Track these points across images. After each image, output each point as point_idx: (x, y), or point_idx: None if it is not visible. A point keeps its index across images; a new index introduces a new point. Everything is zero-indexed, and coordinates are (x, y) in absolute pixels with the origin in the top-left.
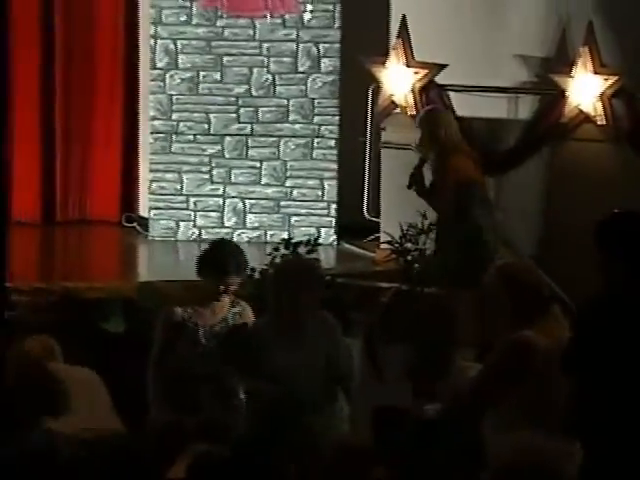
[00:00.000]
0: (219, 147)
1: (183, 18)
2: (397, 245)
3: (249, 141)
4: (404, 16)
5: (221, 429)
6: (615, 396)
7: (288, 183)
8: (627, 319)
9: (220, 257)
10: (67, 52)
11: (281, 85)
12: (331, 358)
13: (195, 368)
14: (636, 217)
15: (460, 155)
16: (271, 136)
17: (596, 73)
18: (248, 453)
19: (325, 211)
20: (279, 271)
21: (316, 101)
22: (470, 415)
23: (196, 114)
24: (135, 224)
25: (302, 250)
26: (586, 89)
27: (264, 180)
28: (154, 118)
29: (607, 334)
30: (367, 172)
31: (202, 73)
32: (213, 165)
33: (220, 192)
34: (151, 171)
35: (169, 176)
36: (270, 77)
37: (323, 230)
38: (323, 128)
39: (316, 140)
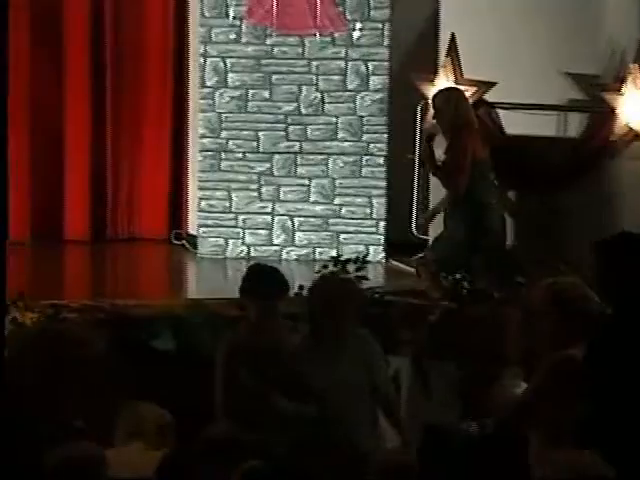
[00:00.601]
0: (268, 165)
1: (232, 36)
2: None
3: (298, 159)
4: (453, 34)
5: (268, 445)
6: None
7: (337, 201)
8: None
9: (259, 283)
10: (117, 71)
11: (330, 103)
12: (371, 376)
13: (248, 387)
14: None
15: (469, 134)
16: (320, 154)
17: None
18: (292, 469)
19: (373, 229)
20: (316, 289)
21: (365, 119)
22: (516, 433)
23: (245, 132)
24: (184, 242)
25: (351, 268)
26: (636, 106)
27: (313, 198)
28: (203, 136)
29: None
30: (415, 190)
31: (251, 91)
32: (262, 183)
33: (269, 210)
34: (200, 189)
35: (218, 194)
36: (319, 95)
37: (371, 248)
38: (372, 146)
39: (365, 158)
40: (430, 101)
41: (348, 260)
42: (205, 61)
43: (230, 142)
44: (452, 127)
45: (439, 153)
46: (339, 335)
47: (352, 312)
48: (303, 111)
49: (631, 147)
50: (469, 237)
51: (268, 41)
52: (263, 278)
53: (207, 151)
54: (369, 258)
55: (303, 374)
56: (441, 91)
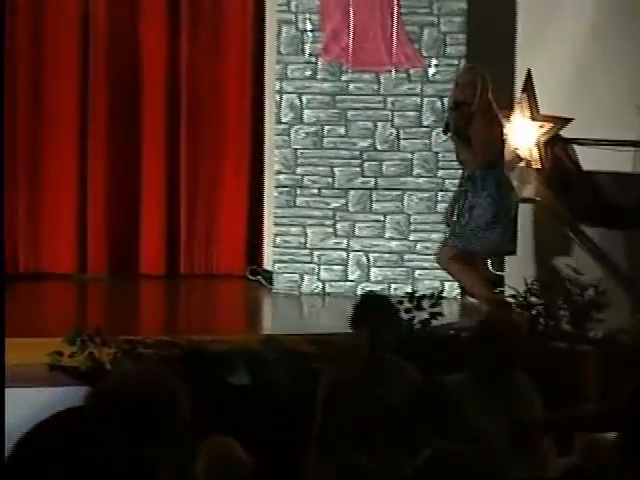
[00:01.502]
0: (343, 201)
1: (308, 73)
2: (521, 299)
3: (373, 195)
4: (529, 70)
5: None
6: None
7: (412, 237)
8: None
9: (365, 313)
10: (194, 107)
11: (405, 139)
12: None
13: (355, 427)
14: None
15: (489, 116)
16: (395, 190)
17: None
18: None
19: None
20: (487, 326)
21: (440, 155)
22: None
23: (321, 168)
24: (259, 277)
25: (426, 304)
26: None
27: (388, 234)
28: (279, 172)
29: None
30: None
31: (327, 127)
32: (337, 219)
33: (344, 245)
34: (276, 225)
35: (293, 229)
36: (394, 131)
37: (447, 284)
38: (447, 182)
39: (440, 194)
40: (458, 76)
41: (423, 296)
42: (281, 97)
43: (305, 178)
44: (477, 104)
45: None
46: (500, 377)
47: (517, 353)
48: (378, 147)
49: None
50: (497, 210)
51: (344, 77)
52: (375, 308)
53: (283, 187)
54: (444, 294)
55: (456, 412)
56: (466, 69)
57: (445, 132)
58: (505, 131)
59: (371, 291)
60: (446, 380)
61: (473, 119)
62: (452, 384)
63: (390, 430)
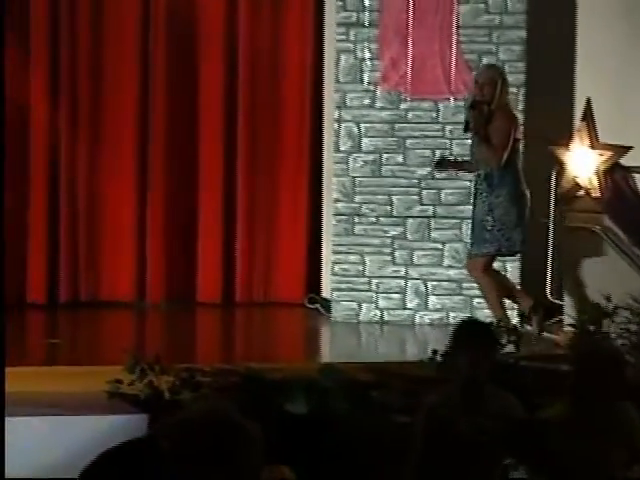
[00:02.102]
0: (401, 229)
1: (367, 102)
2: (580, 328)
3: (431, 223)
4: (589, 99)
5: None
6: None
7: None
8: None
9: (464, 339)
10: (252, 134)
11: None
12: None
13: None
14: None
15: (507, 115)
16: (453, 218)
17: None
18: None
19: None
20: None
21: None
22: None
23: (379, 196)
24: (317, 305)
25: None
26: None
27: (446, 262)
28: (337, 200)
29: None
30: (550, 253)
31: (385, 155)
32: (395, 247)
33: (402, 274)
34: (334, 253)
35: (352, 258)
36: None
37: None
38: None
39: None
40: (478, 75)
41: None
42: (339, 126)
43: (364, 206)
44: (496, 103)
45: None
46: (604, 406)
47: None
48: (437, 175)
49: None
50: (518, 208)
51: (402, 106)
52: (476, 334)
53: (341, 215)
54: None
55: (556, 444)
56: (487, 67)
57: (466, 131)
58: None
59: (470, 317)
60: (548, 411)
61: (493, 117)
62: (554, 415)
63: (485, 459)
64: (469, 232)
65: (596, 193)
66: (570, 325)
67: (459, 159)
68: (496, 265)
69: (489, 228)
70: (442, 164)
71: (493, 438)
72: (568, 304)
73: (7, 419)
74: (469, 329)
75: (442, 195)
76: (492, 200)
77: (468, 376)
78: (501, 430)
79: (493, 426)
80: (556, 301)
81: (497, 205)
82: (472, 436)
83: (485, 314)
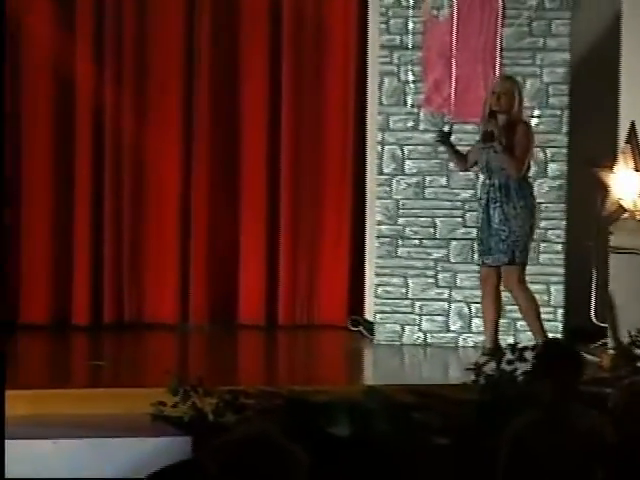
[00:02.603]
0: (445, 251)
1: (410, 124)
2: (625, 351)
3: (475, 245)
4: (633, 122)
5: None
6: None
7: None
8: None
9: (551, 360)
10: (295, 157)
11: None
12: None
13: None
14: None
15: (525, 126)
16: None
17: None
18: None
19: (551, 315)
20: None
21: (543, 206)
22: None
23: (422, 218)
24: (361, 328)
25: (528, 355)
26: None
27: None
28: (380, 223)
29: None
30: (594, 276)
31: (428, 178)
32: (438, 269)
33: (446, 296)
34: (377, 275)
35: (395, 280)
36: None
37: (550, 335)
38: (550, 233)
39: (542, 245)
40: (496, 86)
41: (525, 347)
42: (383, 149)
43: (407, 229)
44: (514, 113)
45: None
46: None
47: None
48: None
49: None
50: (532, 219)
51: (445, 128)
52: (564, 355)
53: (384, 237)
54: None
55: None
56: (504, 78)
57: (486, 141)
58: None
59: (556, 339)
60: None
61: (515, 128)
62: None
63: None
64: (479, 241)
65: None
66: (613, 348)
67: (458, 149)
68: (538, 287)
69: (504, 238)
70: (443, 138)
71: (585, 459)
72: (611, 327)
73: (52, 441)
74: (556, 351)
75: None
76: (508, 210)
77: (557, 398)
78: (592, 450)
79: (585, 446)
80: (600, 324)
81: (515, 216)
82: (563, 458)
83: (528, 336)
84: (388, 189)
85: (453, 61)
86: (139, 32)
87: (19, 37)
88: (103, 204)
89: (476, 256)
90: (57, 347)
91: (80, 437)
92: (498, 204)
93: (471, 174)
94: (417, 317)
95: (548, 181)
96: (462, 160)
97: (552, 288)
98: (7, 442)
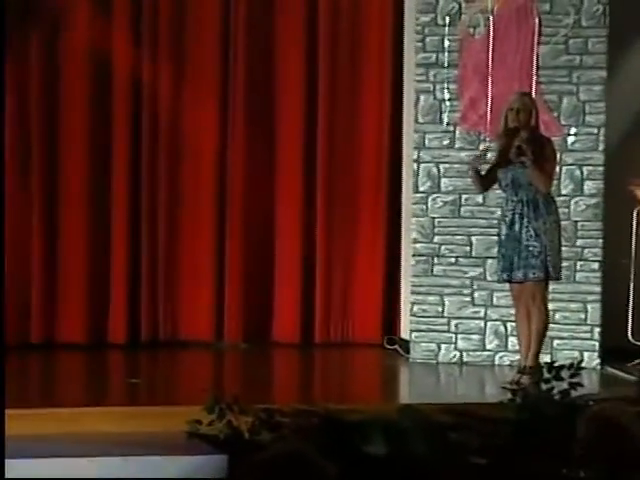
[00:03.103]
0: (481, 270)
1: (446, 142)
2: None
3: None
4: None
5: None
6: None
7: (550, 306)
8: None
9: None
10: (330, 174)
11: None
12: None
13: None
14: None
15: (551, 142)
16: None
17: None
18: None
19: (588, 334)
20: None
21: (579, 224)
22: None
23: (458, 237)
24: (396, 346)
25: (565, 374)
26: None
27: None
28: (416, 241)
29: None
30: (631, 295)
31: (464, 196)
32: (475, 287)
33: (481, 315)
34: (413, 293)
35: (430, 298)
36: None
37: (586, 354)
38: (586, 251)
39: (579, 263)
40: (514, 102)
41: (562, 366)
42: (418, 166)
43: (443, 247)
44: (533, 129)
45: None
46: None
47: None
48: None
49: None
50: (560, 234)
51: (481, 146)
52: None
53: (420, 256)
54: (584, 364)
55: None
56: (521, 95)
57: (519, 156)
58: None
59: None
60: None
61: (535, 143)
62: None
63: None
64: (499, 257)
65: None
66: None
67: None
68: (575, 306)
69: (536, 254)
70: (477, 162)
71: None
72: None
73: (88, 459)
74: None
75: None
76: (538, 226)
77: None
78: None
79: None
80: (638, 343)
81: (545, 231)
82: None
83: (565, 355)
84: (424, 207)
85: (489, 79)
86: (175, 24)
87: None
88: (140, 221)
89: (499, 273)
90: (93, 365)
91: (116, 455)
92: (526, 220)
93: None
94: (453, 335)
95: (584, 199)
96: (484, 182)
97: (589, 307)
98: (44, 460)
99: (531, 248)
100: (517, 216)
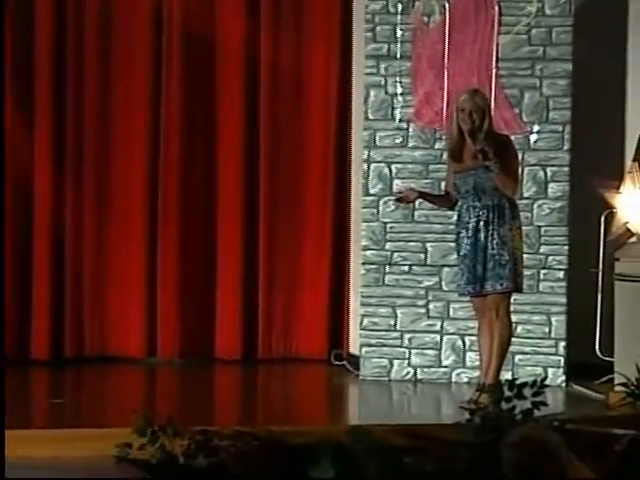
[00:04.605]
0: (436, 279)
1: (399, 140)
2: (633, 388)
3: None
4: None
5: None
6: None
7: (513, 318)
8: None
9: None
10: (272, 181)
11: None
12: None
13: None
14: None
15: (512, 143)
16: None
17: None
18: None
19: (553, 349)
20: None
21: (543, 229)
22: None
23: (412, 243)
24: (344, 362)
25: (527, 392)
26: None
27: None
28: (366, 248)
29: None
30: (599, 306)
31: (418, 199)
32: (430, 298)
33: (437, 328)
34: (362, 305)
35: (382, 310)
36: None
37: (550, 370)
38: (550, 258)
39: (542, 272)
40: (465, 102)
41: (525, 384)
42: (369, 167)
43: (395, 254)
44: (488, 130)
45: None
46: None
47: None
48: None
49: None
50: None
51: (437, 145)
52: None
53: (370, 264)
54: (548, 382)
55: None
56: (473, 94)
57: (486, 160)
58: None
59: None
60: None
61: (502, 145)
62: None
63: None
64: (463, 268)
65: None
66: (622, 384)
67: (434, 193)
68: (538, 318)
69: (503, 263)
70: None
71: None
72: (619, 362)
73: None
74: None
75: None
76: (504, 232)
77: None
78: None
79: None
80: (606, 358)
81: (511, 238)
82: None
83: (527, 372)
84: (375, 211)
85: (445, 72)
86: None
87: None
88: (64, 228)
89: (462, 285)
90: (14, 383)
91: None
92: (491, 227)
93: None
94: (406, 350)
95: (549, 202)
96: (445, 199)
97: (553, 319)
98: None
99: (497, 257)
100: (482, 223)
